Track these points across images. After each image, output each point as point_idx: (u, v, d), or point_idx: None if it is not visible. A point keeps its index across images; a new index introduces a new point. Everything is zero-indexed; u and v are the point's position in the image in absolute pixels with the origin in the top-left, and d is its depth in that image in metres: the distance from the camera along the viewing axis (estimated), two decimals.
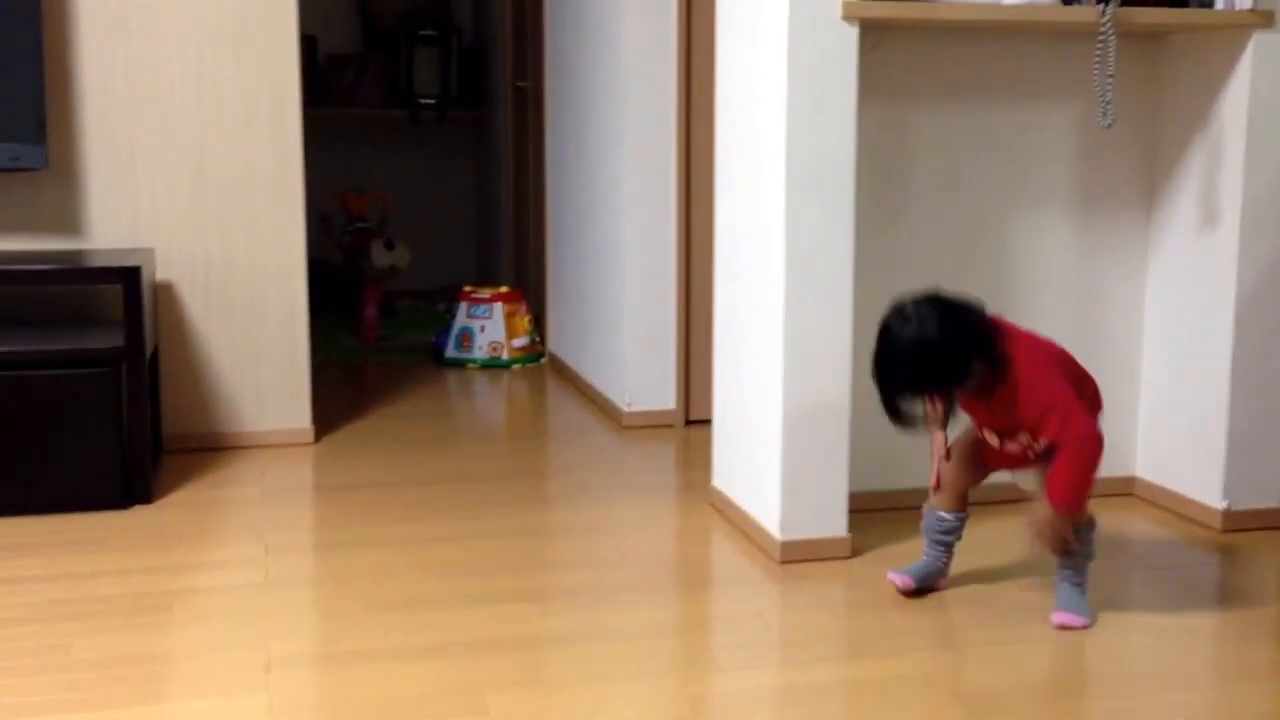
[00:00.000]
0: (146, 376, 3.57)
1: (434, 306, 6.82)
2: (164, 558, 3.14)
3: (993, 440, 2.80)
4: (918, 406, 2.74)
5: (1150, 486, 3.61)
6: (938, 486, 2.91)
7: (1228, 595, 2.96)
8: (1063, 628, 2.73)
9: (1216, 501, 3.38)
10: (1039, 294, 3.53)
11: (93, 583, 2.96)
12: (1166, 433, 3.55)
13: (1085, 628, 2.74)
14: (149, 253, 3.90)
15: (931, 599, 2.90)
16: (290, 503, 3.60)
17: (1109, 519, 3.39)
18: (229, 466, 3.92)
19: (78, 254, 3.87)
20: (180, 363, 4.06)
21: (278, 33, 4.03)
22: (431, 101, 7.02)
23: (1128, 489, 3.65)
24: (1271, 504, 3.40)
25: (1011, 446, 2.77)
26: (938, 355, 2.65)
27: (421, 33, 6.98)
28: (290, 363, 4.15)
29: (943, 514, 2.91)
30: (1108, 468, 3.56)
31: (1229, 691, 2.46)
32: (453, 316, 5.61)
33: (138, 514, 3.48)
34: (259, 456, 4.03)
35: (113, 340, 3.55)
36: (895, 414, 2.67)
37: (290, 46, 4.04)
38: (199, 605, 2.83)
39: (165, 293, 4.02)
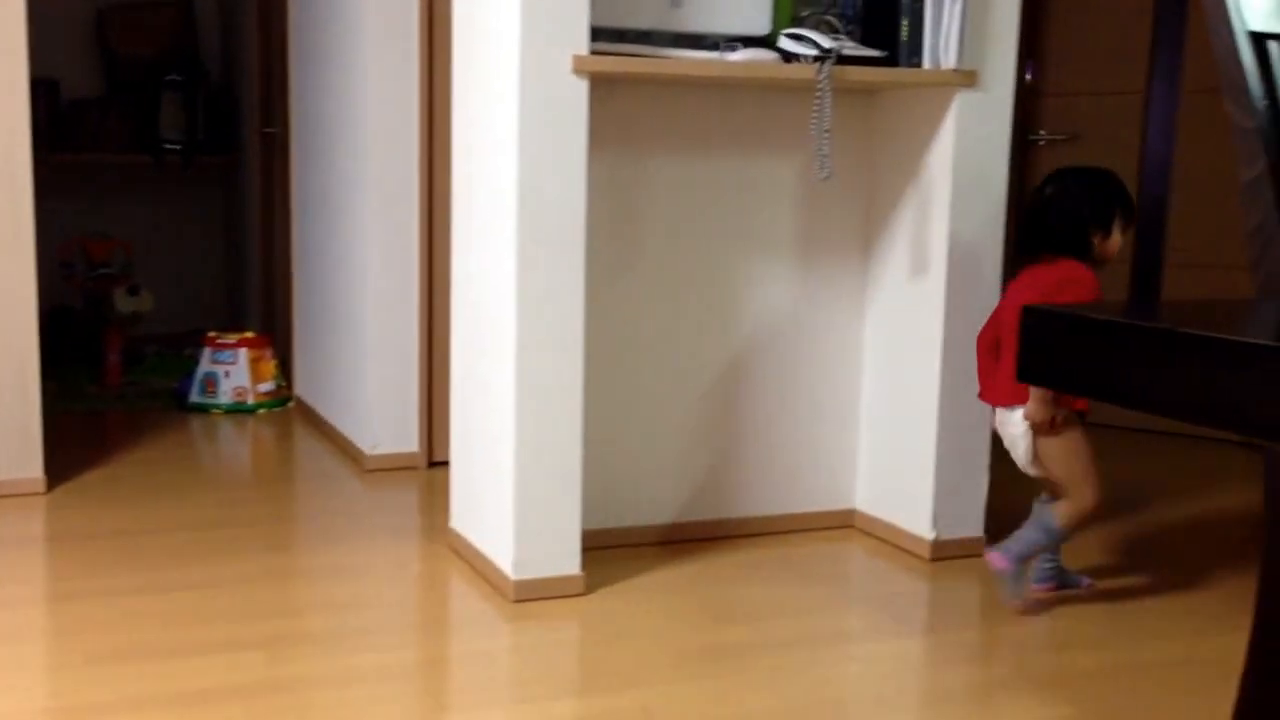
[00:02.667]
0: None
1: (181, 352, 6.69)
2: None
3: None
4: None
5: (868, 519, 3.79)
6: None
7: (933, 621, 3.14)
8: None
9: (925, 532, 3.57)
10: (765, 338, 3.68)
11: None
12: (883, 468, 3.74)
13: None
14: None
15: (662, 635, 2.99)
16: (15, 555, 3.50)
17: (830, 550, 3.57)
18: None
19: None
20: None
21: (5, 75, 3.94)
22: (177, 147, 6.92)
23: (848, 521, 3.83)
24: (974, 533, 3.61)
25: None
26: None
27: (167, 78, 6.88)
28: (20, 410, 4.04)
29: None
30: (829, 501, 3.75)
31: (934, 713, 2.62)
32: (197, 362, 5.54)
33: None
34: None
35: None
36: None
37: (19, 89, 3.96)
38: None
39: None
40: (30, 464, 4.08)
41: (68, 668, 2.74)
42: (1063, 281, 3.10)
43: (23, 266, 4.01)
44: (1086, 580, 3.35)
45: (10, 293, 4.00)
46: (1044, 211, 3.18)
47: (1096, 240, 3.15)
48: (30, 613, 3.09)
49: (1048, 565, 3.30)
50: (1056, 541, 3.19)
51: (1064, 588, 3.32)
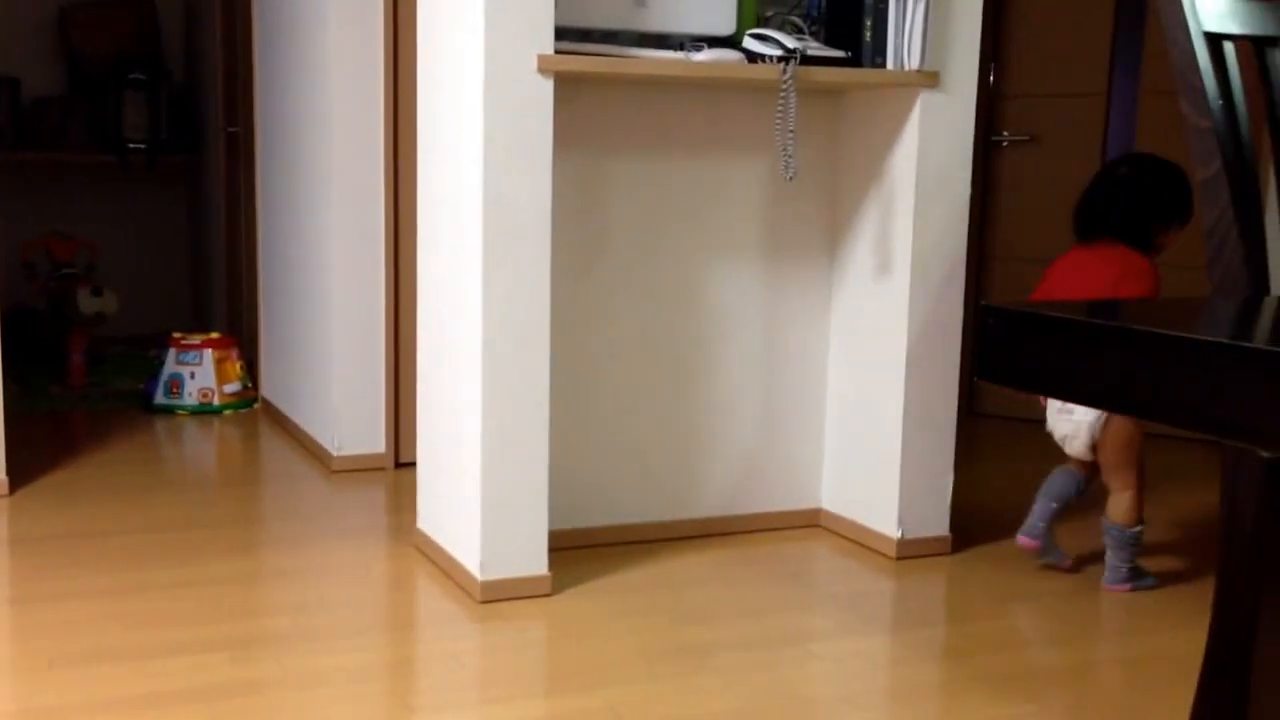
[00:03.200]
0: None
1: (146, 353, 6.66)
2: None
3: None
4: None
5: (833, 517, 3.81)
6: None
7: (899, 619, 3.15)
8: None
9: (891, 531, 3.59)
10: (731, 338, 3.69)
11: None
12: (848, 467, 3.75)
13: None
14: None
15: (629, 635, 3.00)
16: None
17: (797, 549, 3.58)
18: None
19: None
20: None
21: None
22: (141, 146, 6.89)
23: (814, 520, 3.84)
24: (939, 532, 3.63)
25: None
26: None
27: (130, 76, 6.85)
28: None
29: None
30: (795, 500, 3.76)
31: (900, 711, 2.63)
32: (162, 363, 5.51)
33: None
34: None
35: None
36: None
37: None
38: None
39: None
40: None
41: (31, 670, 2.72)
42: (1126, 274, 3.17)
43: None
44: (1068, 560, 3.49)
45: None
46: (1117, 194, 3.22)
47: (1156, 233, 3.22)
48: None
49: (1041, 524, 3.42)
50: (1139, 537, 3.32)
51: (1046, 554, 3.49)
